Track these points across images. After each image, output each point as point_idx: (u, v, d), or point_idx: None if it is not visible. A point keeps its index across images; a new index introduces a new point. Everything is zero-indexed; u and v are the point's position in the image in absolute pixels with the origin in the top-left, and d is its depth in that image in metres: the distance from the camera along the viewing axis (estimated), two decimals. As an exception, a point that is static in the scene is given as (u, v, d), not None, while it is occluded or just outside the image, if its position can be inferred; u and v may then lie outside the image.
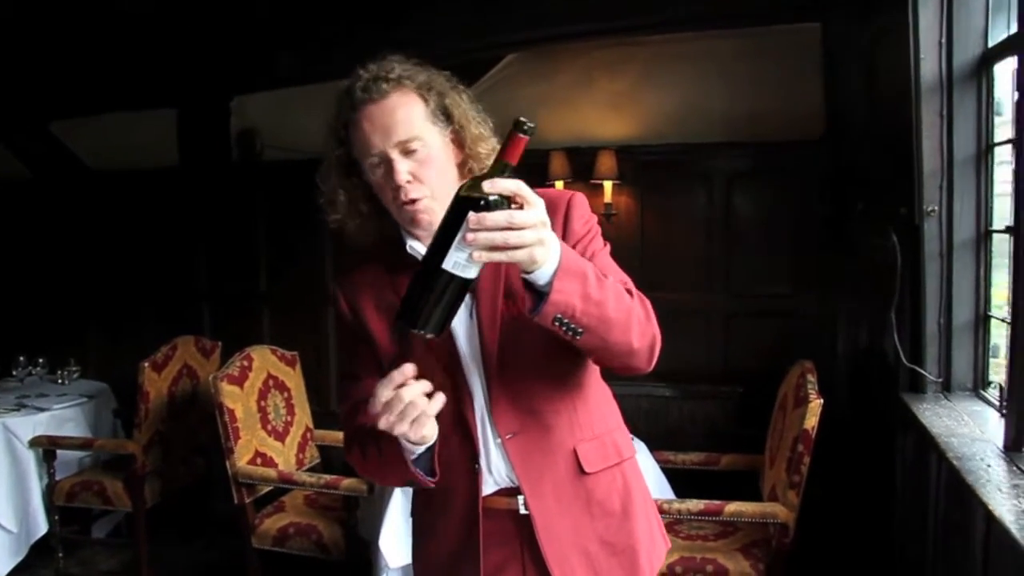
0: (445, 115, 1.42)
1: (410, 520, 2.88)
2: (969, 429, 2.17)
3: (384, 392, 1.24)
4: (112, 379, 4.32)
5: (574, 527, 1.49)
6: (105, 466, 3.83)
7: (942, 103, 2.44)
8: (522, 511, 1.48)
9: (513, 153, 1.16)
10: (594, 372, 1.57)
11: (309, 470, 3.61)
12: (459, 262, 1.15)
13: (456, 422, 1.44)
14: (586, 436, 1.50)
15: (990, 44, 2.37)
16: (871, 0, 3.16)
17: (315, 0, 3.83)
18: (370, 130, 1.37)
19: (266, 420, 3.45)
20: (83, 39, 4.16)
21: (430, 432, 1.30)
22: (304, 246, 4.24)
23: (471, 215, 1.13)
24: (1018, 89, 1.92)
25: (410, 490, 2.86)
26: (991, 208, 2.42)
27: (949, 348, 2.49)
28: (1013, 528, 1.58)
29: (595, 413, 1.54)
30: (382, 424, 1.24)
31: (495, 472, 1.49)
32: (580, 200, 1.47)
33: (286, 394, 3.62)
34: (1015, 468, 1.85)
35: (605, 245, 1.47)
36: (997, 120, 2.40)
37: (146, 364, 3.58)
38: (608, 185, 3.89)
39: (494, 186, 1.15)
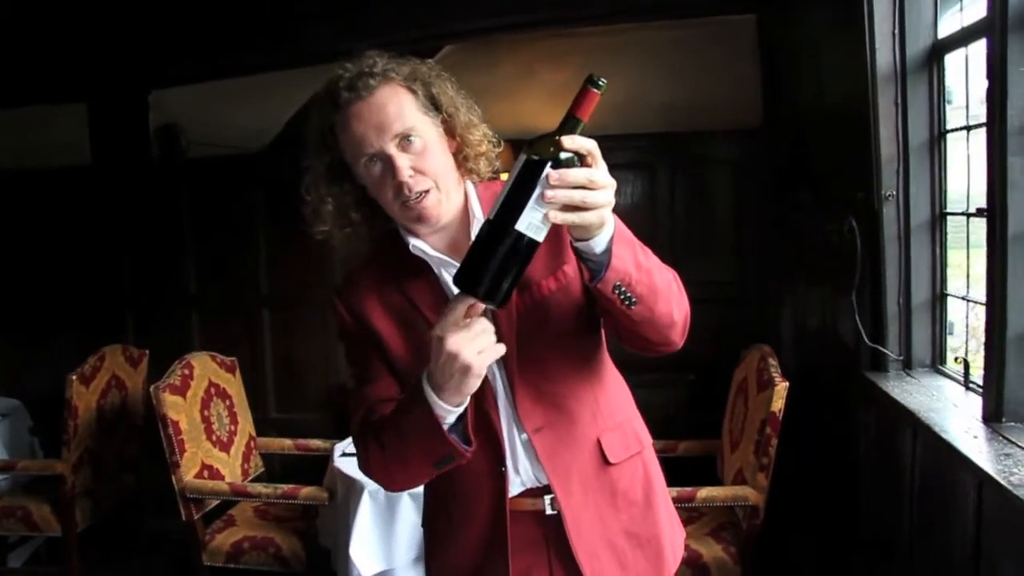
0: (434, 105, 1.38)
1: (381, 527, 2.83)
2: (943, 403, 2.27)
3: (459, 307, 1.15)
4: (23, 395, 3.99)
5: (600, 520, 1.46)
6: (26, 489, 3.53)
7: (896, 92, 2.53)
8: (548, 511, 1.44)
9: (586, 109, 1.13)
10: (608, 359, 1.55)
11: (253, 480, 3.45)
12: (533, 223, 1.11)
13: (479, 424, 1.37)
14: (609, 425, 1.48)
15: (939, 36, 2.49)
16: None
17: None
18: (362, 128, 1.31)
19: (210, 430, 3.27)
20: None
21: (475, 384, 1.19)
22: (236, 245, 4.03)
23: (551, 171, 1.09)
24: (988, 75, 2.01)
25: (381, 494, 2.79)
26: (945, 192, 2.53)
27: (909, 327, 2.59)
28: (1020, 493, 1.65)
29: (614, 401, 1.53)
30: (450, 344, 1.14)
31: (522, 472, 1.44)
32: None
33: (228, 402, 3.45)
34: (1001, 437, 1.94)
35: None
36: (948, 108, 2.52)
37: (74, 377, 3.31)
38: (554, 177, 3.87)
39: (573, 141, 1.12)
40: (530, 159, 1.11)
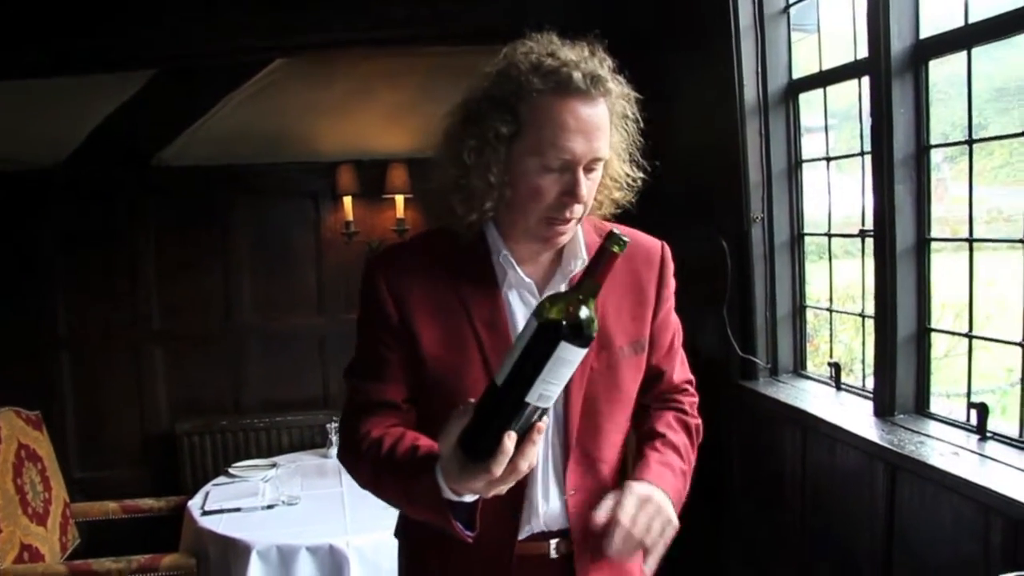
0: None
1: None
2: (825, 403, 2.53)
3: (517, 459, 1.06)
4: None
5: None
6: None
7: (760, 124, 2.80)
8: (552, 555, 1.37)
9: (604, 272, 1.06)
10: None
11: (71, 557, 2.93)
12: (544, 394, 1.02)
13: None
14: None
15: (794, 76, 2.80)
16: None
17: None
18: (575, 128, 1.20)
19: (26, 502, 2.74)
20: None
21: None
22: (25, 277, 3.40)
23: (567, 345, 1.00)
24: (872, 114, 2.28)
25: (272, 553, 2.53)
26: (803, 214, 2.84)
27: (775, 337, 2.86)
28: (941, 464, 1.92)
29: (621, 469, 1.51)
30: (488, 491, 1.09)
31: (545, 522, 1.36)
32: (669, 252, 1.45)
33: (40, 465, 2.91)
34: (902, 428, 2.19)
35: None
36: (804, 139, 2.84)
37: None
38: (400, 199, 3.75)
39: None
40: (543, 324, 1.01)
